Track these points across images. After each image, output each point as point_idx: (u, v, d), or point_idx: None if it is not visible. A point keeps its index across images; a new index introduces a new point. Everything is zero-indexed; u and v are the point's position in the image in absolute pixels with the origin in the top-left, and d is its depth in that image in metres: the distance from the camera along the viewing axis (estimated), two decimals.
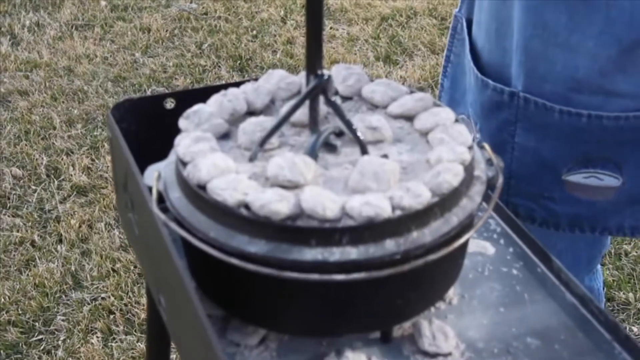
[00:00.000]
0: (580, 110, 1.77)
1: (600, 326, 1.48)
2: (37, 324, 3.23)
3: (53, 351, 3.11)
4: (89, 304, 3.30)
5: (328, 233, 1.26)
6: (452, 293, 1.58)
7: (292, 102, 1.44)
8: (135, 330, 3.15)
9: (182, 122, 1.51)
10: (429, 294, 1.46)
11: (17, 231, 3.66)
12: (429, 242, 1.33)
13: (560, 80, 1.77)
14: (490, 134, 1.90)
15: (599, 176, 1.84)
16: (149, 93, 4.77)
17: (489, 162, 1.59)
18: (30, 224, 3.71)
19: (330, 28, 5.41)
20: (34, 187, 3.95)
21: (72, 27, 5.47)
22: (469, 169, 1.41)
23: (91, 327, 3.20)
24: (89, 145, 4.19)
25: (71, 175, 3.98)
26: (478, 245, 1.72)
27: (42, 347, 3.14)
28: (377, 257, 1.29)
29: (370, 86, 1.56)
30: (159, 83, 4.89)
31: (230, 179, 1.31)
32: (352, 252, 1.28)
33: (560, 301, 1.55)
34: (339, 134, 1.45)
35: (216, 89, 1.60)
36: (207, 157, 1.37)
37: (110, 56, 5.12)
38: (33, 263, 3.52)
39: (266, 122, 1.44)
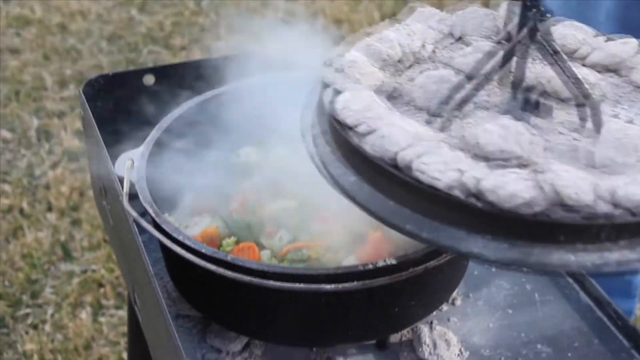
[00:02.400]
0: None
1: (619, 332, 1.37)
2: (24, 296, 3.12)
3: (40, 326, 3.00)
4: (78, 276, 3.19)
5: (599, 229, 0.83)
6: (456, 293, 1.47)
7: (487, 49, 1.02)
8: (125, 304, 3.04)
9: (328, 73, 1.09)
10: (431, 300, 1.35)
11: (5, 198, 3.54)
12: None
13: None
14: None
15: None
16: (145, 52, 4.62)
17: None
18: (19, 190, 3.59)
19: None
20: (23, 152, 3.83)
21: None
22: None
23: (80, 300, 3.09)
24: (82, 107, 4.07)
25: (62, 139, 3.85)
26: None
27: (29, 322, 3.03)
28: None
29: (558, 28, 1.19)
30: (156, 42, 4.73)
31: (444, 155, 0.90)
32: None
33: (574, 303, 1.44)
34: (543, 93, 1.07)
35: (199, 64, 1.47)
36: (393, 122, 0.95)
37: (106, 13, 4.96)
38: (21, 232, 3.40)
39: (448, 75, 1.06)
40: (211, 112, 1.57)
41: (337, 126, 0.97)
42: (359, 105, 0.96)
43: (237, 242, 1.40)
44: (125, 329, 3.02)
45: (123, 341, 2.99)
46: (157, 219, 1.28)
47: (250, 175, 1.57)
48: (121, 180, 1.36)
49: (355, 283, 1.19)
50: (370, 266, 1.21)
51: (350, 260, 1.34)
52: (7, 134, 4.02)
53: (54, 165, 3.83)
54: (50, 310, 3.13)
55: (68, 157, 3.89)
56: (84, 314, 3.07)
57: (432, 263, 1.23)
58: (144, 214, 1.32)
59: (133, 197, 1.34)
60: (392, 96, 1.05)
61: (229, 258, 1.21)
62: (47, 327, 3.06)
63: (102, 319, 3.07)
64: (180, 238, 1.24)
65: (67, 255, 3.36)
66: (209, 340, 1.36)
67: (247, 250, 1.36)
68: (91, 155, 1.59)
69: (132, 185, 1.36)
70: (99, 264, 3.28)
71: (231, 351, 1.35)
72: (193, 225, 1.45)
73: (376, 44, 1.12)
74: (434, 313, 1.40)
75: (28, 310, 3.15)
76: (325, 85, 1.06)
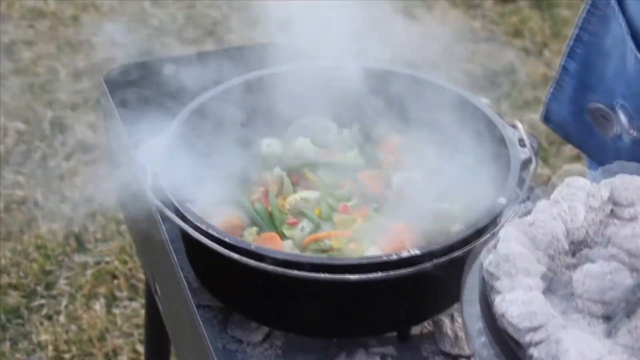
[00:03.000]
0: None
1: None
2: (38, 287, 3.13)
3: (55, 317, 3.02)
4: (92, 267, 3.20)
5: None
6: None
7: None
8: (139, 297, 3.05)
9: (490, 266, 0.98)
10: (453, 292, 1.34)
11: (20, 189, 3.55)
12: None
13: None
14: None
15: None
16: (158, 45, 4.62)
17: (521, 142, 1.45)
18: (33, 182, 3.60)
19: None
20: (37, 143, 3.84)
21: None
22: None
23: (94, 292, 3.10)
24: (95, 99, 4.07)
25: (76, 131, 3.86)
26: None
27: (43, 313, 3.05)
28: None
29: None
30: (169, 35, 4.73)
31: None
32: None
33: None
34: None
35: (221, 53, 1.47)
36: (568, 336, 0.83)
37: (118, 5, 4.96)
38: (35, 223, 3.41)
39: (619, 268, 0.90)
40: (234, 102, 1.57)
41: (508, 340, 0.88)
42: (529, 317, 0.87)
43: (258, 233, 1.40)
44: (138, 320, 3.03)
45: (137, 332, 2.99)
46: (180, 208, 1.28)
47: (272, 166, 1.56)
48: (144, 170, 1.35)
49: (379, 274, 1.19)
50: (394, 257, 1.21)
51: (373, 250, 1.33)
52: (21, 126, 4.02)
53: (67, 157, 3.84)
54: (64, 302, 3.14)
55: (82, 149, 3.89)
56: (98, 305, 3.08)
57: (456, 254, 1.22)
58: (166, 203, 1.32)
59: (156, 186, 1.34)
60: (557, 292, 0.96)
61: (252, 247, 1.21)
62: (62, 318, 3.07)
63: (115, 311, 3.08)
64: (204, 227, 1.24)
65: (81, 247, 3.37)
66: (230, 331, 1.36)
67: (270, 240, 1.36)
68: (112, 145, 1.59)
69: (154, 175, 1.35)
70: (112, 255, 3.28)
71: (252, 342, 1.35)
72: (215, 215, 1.45)
73: (533, 230, 1.01)
74: (456, 305, 1.39)
75: (43, 301, 3.16)
76: (488, 282, 0.96)
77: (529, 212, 1.07)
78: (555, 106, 1.72)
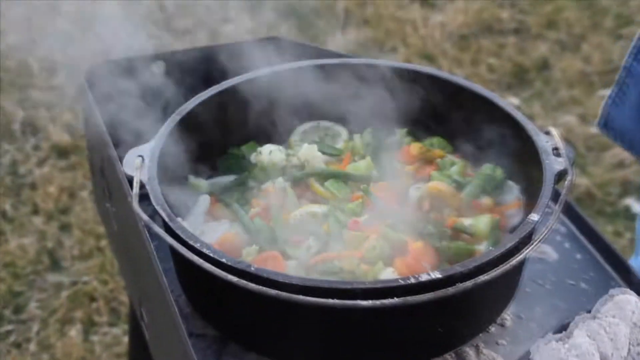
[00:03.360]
0: None
1: None
2: (6, 311, 3.15)
3: (24, 344, 3.02)
4: (67, 288, 3.21)
5: None
6: (506, 312, 1.48)
7: None
8: (121, 322, 3.06)
9: None
10: (478, 320, 1.36)
11: None
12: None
13: None
14: None
15: None
16: (144, 36, 4.64)
17: (556, 151, 1.47)
18: (1, 190, 3.63)
19: None
20: (6, 147, 3.86)
21: None
22: None
23: (70, 316, 3.11)
24: (73, 97, 4.09)
25: (50, 133, 3.89)
26: (537, 250, 1.59)
27: (11, 340, 3.06)
28: None
29: None
30: (156, 25, 4.76)
31: None
32: None
33: None
34: None
35: (215, 50, 1.49)
36: None
37: None
38: (3, 237, 3.44)
39: None
40: (230, 104, 1.59)
41: None
42: None
43: (259, 252, 1.41)
44: (120, 349, 3.04)
45: None
46: (170, 224, 1.29)
47: (275, 176, 1.58)
48: (130, 180, 1.37)
49: (395, 299, 1.20)
50: (412, 280, 1.21)
51: (388, 273, 1.35)
52: None
53: (40, 163, 3.86)
54: (35, 327, 3.15)
55: (57, 153, 3.91)
56: (74, 332, 3.08)
57: (481, 278, 1.23)
58: (154, 218, 1.34)
59: (143, 198, 1.35)
60: None
61: (252, 269, 1.22)
62: (32, 346, 3.08)
63: (94, 338, 3.09)
64: (197, 245, 1.25)
65: (55, 265, 3.38)
66: None
67: (271, 261, 1.37)
68: (93, 151, 1.61)
69: (141, 186, 1.37)
70: (91, 275, 3.29)
71: None
72: (209, 231, 1.46)
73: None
74: (481, 335, 1.42)
75: (10, 327, 3.17)
76: None
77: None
78: (616, 113, 1.73)
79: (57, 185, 3.71)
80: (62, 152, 3.91)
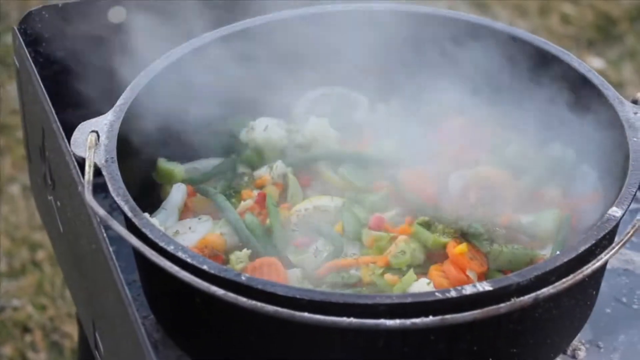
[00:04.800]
0: None
1: None
2: None
3: None
4: None
5: None
6: (579, 339, 1.53)
7: None
8: (64, 359, 3.08)
9: None
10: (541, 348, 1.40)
11: None
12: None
13: None
14: None
15: None
16: None
17: None
18: None
19: None
20: None
21: None
22: None
23: None
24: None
25: None
26: (620, 259, 1.66)
27: None
28: None
29: None
30: None
31: None
32: None
33: None
34: None
35: None
36: None
37: None
38: None
39: None
40: (208, 63, 1.63)
41: None
42: None
43: (251, 257, 1.46)
44: None
45: None
46: (135, 220, 1.33)
47: (272, 159, 1.63)
48: (80, 164, 1.40)
49: (429, 318, 1.22)
50: (453, 294, 1.25)
51: (421, 285, 1.39)
52: None
53: None
54: None
55: None
56: None
57: (545, 291, 1.26)
58: (112, 214, 1.37)
59: (99, 188, 1.39)
60: None
61: (243, 278, 1.25)
62: None
63: None
64: (170, 248, 1.29)
65: None
66: None
67: (267, 269, 1.42)
68: (30, 124, 1.66)
69: (96, 171, 1.40)
70: (24, 297, 3.30)
71: None
72: (186, 230, 1.51)
73: None
74: None
75: None
76: None
77: None
78: None
79: None
80: None
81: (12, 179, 3.79)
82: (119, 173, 1.40)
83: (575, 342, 1.52)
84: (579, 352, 1.52)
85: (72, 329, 3.15)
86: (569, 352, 1.52)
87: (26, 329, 3.26)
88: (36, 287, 3.38)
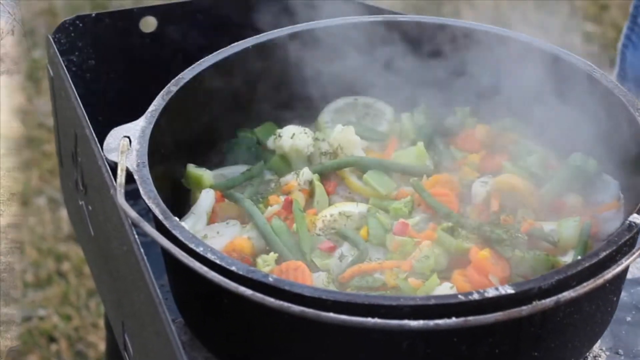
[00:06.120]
0: None
1: None
2: None
3: None
4: (18, 325, 3.22)
5: None
6: (599, 346, 1.54)
7: None
8: None
9: None
10: (561, 352, 1.41)
11: None
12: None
13: None
14: None
15: None
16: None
17: None
18: None
19: None
20: None
21: None
22: None
23: None
24: (24, 73, 4.09)
25: None
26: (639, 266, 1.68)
27: None
28: None
29: None
30: None
31: None
32: None
33: None
34: None
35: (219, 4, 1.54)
36: None
37: None
38: None
39: None
40: (243, 71, 1.66)
41: None
42: None
43: (278, 261, 1.48)
44: None
45: None
46: (166, 223, 1.36)
47: (298, 166, 1.66)
48: (113, 168, 1.43)
49: (452, 320, 1.23)
50: (476, 296, 1.26)
51: (444, 289, 1.41)
52: None
53: None
54: None
55: (3, 148, 3.93)
56: None
57: (566, 295, 1.27)
58: (144, 216, 1.40)
59: (127, 195, 1.39)
60: None
61: (271, 279, 1.27)
62: None
63: None
64: (200, 250, 1.31)
65: (2, 295, 3.40)
66: None
67: (294, 272, 1.44)
68: (63, 131, 1.68)
69: (128, 176, 1.43)
70: (49, 307, 3.30)
71: None
72: (215, 234, 1.53)
73: None
74: None
75: None
76: None
77: None
78: None
79: (6, 189, 3.74)
80: (10, 146, 3.93)
81: (39, 191, 3.81)
82: (150, 177, 1.43)
83: (595, 349, 1.53)
84: (599, 358, 1.53)
85: (96, 339, 3.16)
86: (589, 358, 1.52)
87: (52, 339, 3.27)
88: (62, 298, 3.38)
